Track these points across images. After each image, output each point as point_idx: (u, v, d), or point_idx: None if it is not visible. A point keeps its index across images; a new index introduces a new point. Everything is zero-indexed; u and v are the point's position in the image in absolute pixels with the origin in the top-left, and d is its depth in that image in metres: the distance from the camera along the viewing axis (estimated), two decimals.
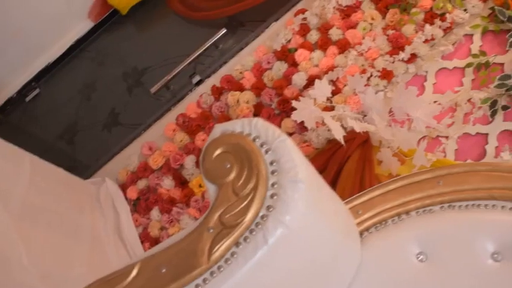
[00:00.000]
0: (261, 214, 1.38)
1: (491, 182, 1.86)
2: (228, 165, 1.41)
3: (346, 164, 3.31)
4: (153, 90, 4.11)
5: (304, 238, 1.44)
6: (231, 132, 1.46)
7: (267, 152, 1.42)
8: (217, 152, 1.43)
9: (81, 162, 4.21)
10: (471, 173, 1.90)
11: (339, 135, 3.06)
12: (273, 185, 1.39)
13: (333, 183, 3.30)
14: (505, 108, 3.23)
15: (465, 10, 3.48)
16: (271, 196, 1.39)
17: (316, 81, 3.30)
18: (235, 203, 1.38)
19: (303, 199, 1.38)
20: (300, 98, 3.33)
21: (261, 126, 1.45)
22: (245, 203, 1.37)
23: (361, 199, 1.95)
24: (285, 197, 1.37)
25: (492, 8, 3.43)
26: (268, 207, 1.38)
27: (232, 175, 1.40)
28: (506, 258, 1.76)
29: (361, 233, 1.90)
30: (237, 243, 1.37)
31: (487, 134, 3.26)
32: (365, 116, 3.37)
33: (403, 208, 1.89)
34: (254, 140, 1.43)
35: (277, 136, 1.43)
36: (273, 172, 1.40)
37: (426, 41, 3.47)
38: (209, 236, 1.37)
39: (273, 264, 1.42)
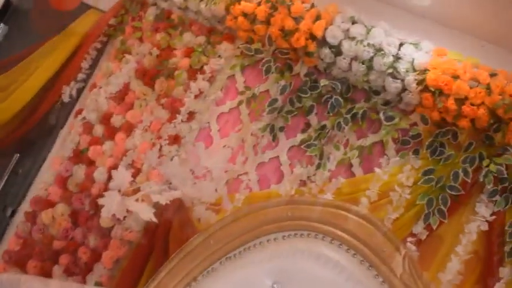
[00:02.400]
0: None
1: (250, 224, 2.09)
2: None
3: (170, 234, 3.46)
4: None
5: None
6: None
7: None
8: None
9: None
10: (233, 223, 2.12)
11: (147, 215, 3.23)
12: None
13: (166, 255, 3.44)
14: (281, 129, 3.53)
15: (219, 56, 3.76)
16: None
17: (112, 172, 3.46)
18: None
19: None
20: (104, 193, 3.46)
21: None
22: None
23: (153, 284, 2.10)
24: None
25: (240, 47, 3.74)
26: None
27: None
28: (284, 283, 1.97)
29: None
30: None
31: (278, 156, 3.54)
32: (171, 183, 3.55)
33: (189, 277, 2.07)
34: None
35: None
36: None
37: (196, 96, 3.70)
38: None
39: None
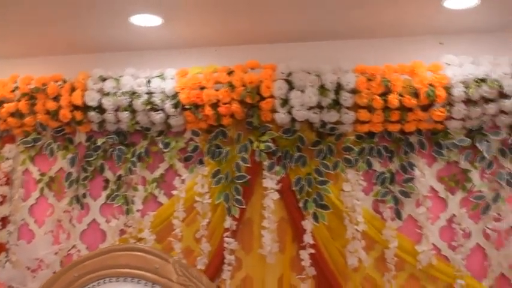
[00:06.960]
0: None
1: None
2: None
3: None
4: None
5: None
6: None
7: None
8: None
9: None
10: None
11: None
12: None
13: None
14: (85, 195, 3.86)
15: (7, 159, 4.01)
16: None
17: None
18: None
19: None
20: None
21: None
22: None
23: None
24: None
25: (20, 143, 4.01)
26: None
27: None
28: None
29: None
30: None
31: (94, 219, 3.86)
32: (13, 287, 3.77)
33: None
34: None
35: None
36: None
37: (1, 202, 3.94)
38: None
39: None
